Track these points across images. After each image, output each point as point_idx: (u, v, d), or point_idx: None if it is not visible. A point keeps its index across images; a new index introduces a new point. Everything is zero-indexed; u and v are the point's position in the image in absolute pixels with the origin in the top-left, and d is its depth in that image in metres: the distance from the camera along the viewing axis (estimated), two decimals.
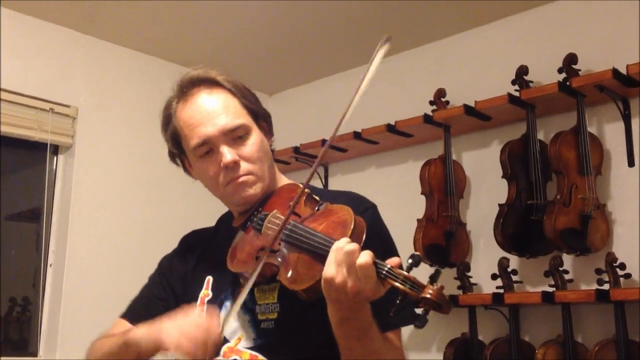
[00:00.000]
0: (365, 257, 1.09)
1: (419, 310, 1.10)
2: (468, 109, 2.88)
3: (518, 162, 2.74)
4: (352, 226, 1.17)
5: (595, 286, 2.45)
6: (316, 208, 1.30)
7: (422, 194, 2.98)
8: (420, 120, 3.03)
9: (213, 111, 1.38)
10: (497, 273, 2.70)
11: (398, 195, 3.21)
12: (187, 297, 1.43)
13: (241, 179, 1.38)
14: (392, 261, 1.11)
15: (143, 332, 1.27)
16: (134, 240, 3.30)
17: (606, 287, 2.42)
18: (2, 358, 2.95)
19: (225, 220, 1.53)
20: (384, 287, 1.11)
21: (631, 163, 2.62)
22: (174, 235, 3.46)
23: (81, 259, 3.10)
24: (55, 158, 3.22)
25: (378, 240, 1.28)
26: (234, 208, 1.46)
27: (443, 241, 2.88)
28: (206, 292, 1.41)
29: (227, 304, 1.36)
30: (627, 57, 2.56)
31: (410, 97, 3.30)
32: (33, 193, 3.19)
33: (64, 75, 3.19)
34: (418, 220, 2.92)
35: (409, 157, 3.33)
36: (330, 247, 1.12)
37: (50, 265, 3.10)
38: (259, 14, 3.07)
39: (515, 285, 2.70)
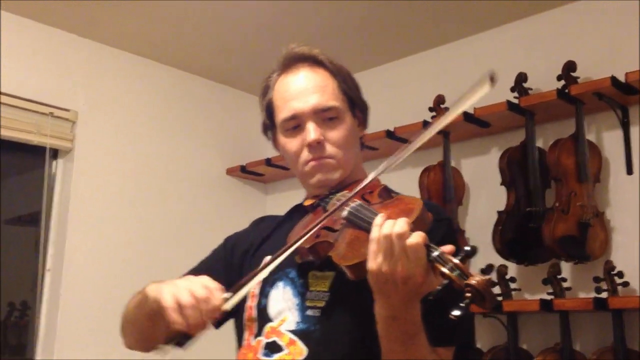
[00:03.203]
0: (417, 237, 1.05)
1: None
2: (467, 116, 2.88)
3: (517, 169, 2.74)
4: (416, 215, 1.13)
5: (593, 294, 2.45)
6: (387, 198, 1.28)
7: None
8: (419, 127, 3.02)
9: (309, 88, 1.38)
10: (496, 280, 2.69)
11: None
12: (243, 276, 1.40)
13: (323, 161, 1.37)
14: (445, 248, 1.06)
15: (154, 288, 1.26)
16: (132, 246, 3.29)
17: (604, 295, 2.42)
18: None
19: (299, 207, 1.50)
20: (435, 275, 1.05)
21: (630, 171, 2.62)
22: (172, 240, 3.50)
23: (79, 263, 3.10)
24: (54, 162, 3.21)
25: None
26: (309, 190, 1.45)
27: None
28: None
29: (280, 283, 1.34)
30: (626, 65, 2.56)
31: (410, 104, 3.30)
32: (32, 197, 3.18)
33: (63, 79, 3.19)
34: None
35: (407, 163, 3.32)
36: None
37: (49, 269, 3.09)
38: (259, 17, 3.08)
39: (513, 293, 2.69)
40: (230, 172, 3.78)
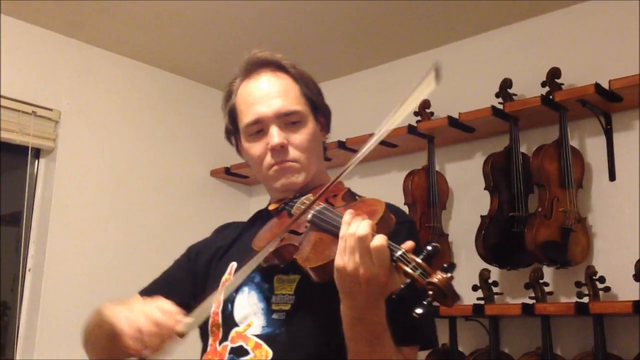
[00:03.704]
0: (380, 239, 1.06)
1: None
2: (452, 121, 2.90)
3: (501, 174, 2.76)
4: (380, 216, 1.14)
5: (574, 299, 2.47)
6: (351, 201, 1.30)
7: (405, 204, 2.98)
8: (404, 131, 3.03)
9: (272, 93, 1.39)
10: (478, 284, 2.71)
11: None
12: (209, 282, 1.42)
13: (286, 164, 1.37)
14: (406, 245, 1.08)
15: (110, 311, 1.24)
16: (114, 247, 3.27)
17: (586, 300, 2.43)
18: None
19: (262, 213, 1.52)
20: (398, 274, 1.06)
21: (612, 177, 2.64)
22: (155, 241, 3.47)
23: (60, 264, 3.07)
24: (36, 162, 3.18)
25: None
26: (273, 194, 1.46)
27: None
28: (227, 277, 1.39)
29: (245, 288, 1.34)
30: (609, 72, 2.59)
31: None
32: (13, 197, 3.15)
33: (47, 79, 3.16)
34: None
35: (392, 167, 3.34)
36: None
37: (29, 270, 3.06)
38: (245, 18, 3.07)
39: (495, 296, 2.71)
40: (214, 173, 3.77)
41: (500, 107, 2.77)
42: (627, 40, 2.66)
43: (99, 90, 3.35)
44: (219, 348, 1.32)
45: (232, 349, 1.30)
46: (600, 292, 2.46)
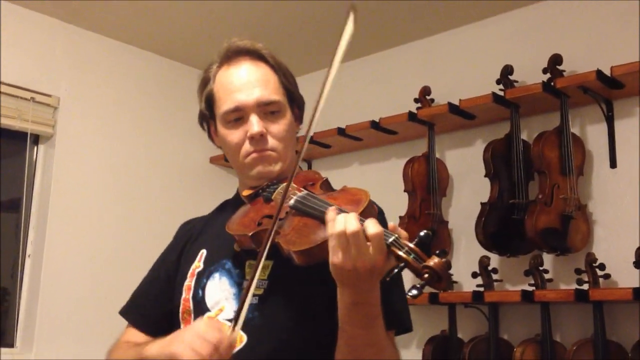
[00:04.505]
0: (376, 226, 1.07)
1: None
2: (452, 108, 2.89)
3: (501, 161, 2.75)
4: (365, 204, 1.16)
5: (574, 286, 2.47)
6: (329, 190, 1.31)
7: (405, 191, 2.98)
8: (404, 118, 3.03)
9: (252, 81, 1.39)
10: (478, 271, 2.71)
11: (381, 192, 3.15)
12: (180, 273, 1.43)
13: (265, 153, 1.38)
14: (390, 228, 1.10)
15: (156, 349, 1.24)
16: (113, 232, 3.27)
17: (585, 287, 2.44)
18: None
19: (230, 202, 1.52)
20: (393, 259, 1.08)
21: (613, 164, 2.64)
22: (153, 227, 3.48)
23: (60, 250, 3.08)
24: (35, 148, 3.18)
25: None
26: (247, 182, 1.45)
27: None
28: (198, 265, 1.40)
29: (216, 274, 1.35)
30: (611, 58, 2.57)
31: (395, 95, 3.30)
32: (13, 183, 3.15)
33: (45, 65, 3.15)
34: (400, 217, 2.92)
35: (392, 154, 3.33)
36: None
37: (29, 255, 3.07)
38: (244, 6, 3.06)
39: (495, 283, 2.71)
40: (213, 160, 3.76)
41: (501, 93, 2.76)
42: (628, 27, 2.64)
43: (97, 77, 3.34)
44: None
45: None
46: (600, 279, 2.46)
